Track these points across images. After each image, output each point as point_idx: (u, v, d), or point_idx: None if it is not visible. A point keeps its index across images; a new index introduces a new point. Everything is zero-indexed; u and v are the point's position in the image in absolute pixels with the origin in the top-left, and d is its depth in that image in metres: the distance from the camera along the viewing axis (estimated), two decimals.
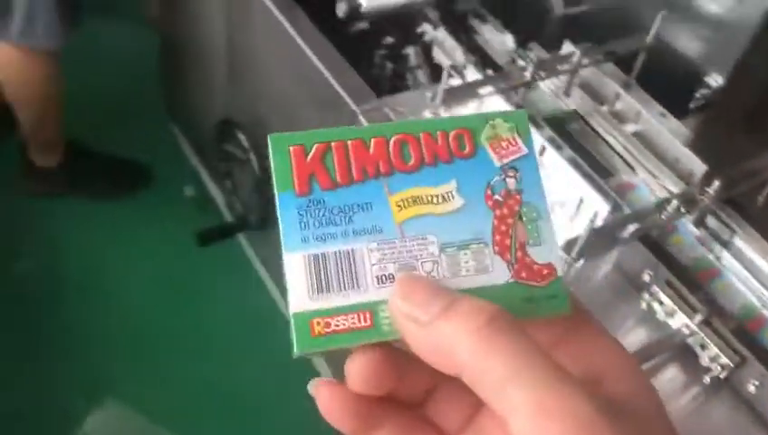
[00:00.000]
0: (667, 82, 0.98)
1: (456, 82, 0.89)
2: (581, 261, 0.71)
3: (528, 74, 0.87)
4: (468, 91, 0.86)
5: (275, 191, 0.29)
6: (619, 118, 0.91)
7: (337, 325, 0.28)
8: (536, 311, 0.29)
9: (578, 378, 0.25)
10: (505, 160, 0.30)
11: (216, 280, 1.76)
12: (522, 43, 1.00)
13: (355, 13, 1.02)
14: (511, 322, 0.26)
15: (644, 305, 0.72)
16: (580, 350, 0.29)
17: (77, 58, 1.68)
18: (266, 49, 1.19)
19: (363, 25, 1.08)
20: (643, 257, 0.77)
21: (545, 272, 0.29)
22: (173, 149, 1.89)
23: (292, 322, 0.28)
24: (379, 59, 1.08)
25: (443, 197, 0.30)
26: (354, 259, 0.29)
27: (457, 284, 0.29)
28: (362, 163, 0.30)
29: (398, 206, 0.29)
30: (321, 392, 0.29)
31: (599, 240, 0.72)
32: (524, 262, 0.29)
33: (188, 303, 1.70)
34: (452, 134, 0.30)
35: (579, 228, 0.77)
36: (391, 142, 0.30)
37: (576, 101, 0.92)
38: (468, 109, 0.88)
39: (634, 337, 0.73)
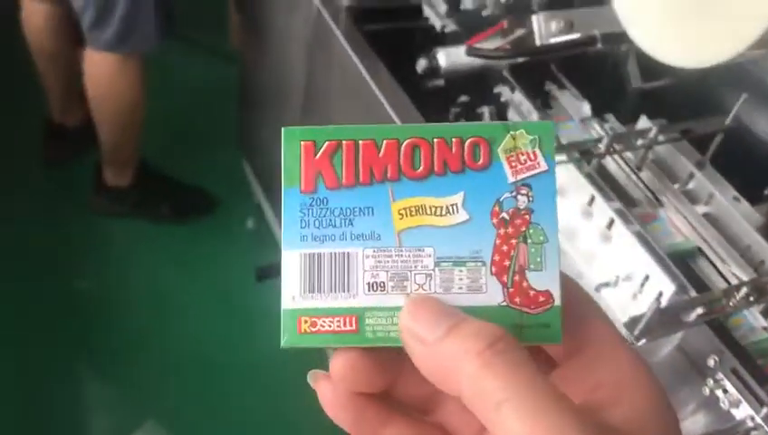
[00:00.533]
0: (743, 165, 0.97)
1: None
2: (643, 341, 0.70)
3: (603, 146, 0.87)
4: None
5: (282, 186, 0.29)
6: (690, 198, 0.90)
7: (322, 326, 0.29)
8: (524, 338, 0.28)
9: (577, 404, 0.25)
10: (520, 176, 0.29)
11: (269, 313, 1.78)
12: (598, 112, 1.00)
13: (434, 70, 1.04)
14: (513, 345, 0.26)
15: (707, 391, 0.71)
16: (593, 364, 0.28)
17: (156, 86, 1.75)
18: (343, 94, 1.22)
19: (440, 82, 1.10)
20: (708, 341, 0.76)
21: (541, 299, 0.29)
22: (240, 181, 1.94)
23: (281, 316, 0.29)
24: (453, 116, 1.09)
25: (447, 209, 0.29)
26: (348, 263, 0.29)
27: (448, 300, 0.28)
28: (370, 165, 0.29)
29: (400, 214, 0.29)
30: (321, 386, 0.30)
31: (662, 321, 0.71)
32: (521, 287, 0.29)
33: (240, 332, 1.73)
34: (468, 142, 0.29)
35: (642, 306, 0.77)
36: (403, 146, 0.29)
37: (647, 176, 0.92)
38: None
39: (693, 424, 0.72)
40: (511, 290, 0.29)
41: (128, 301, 1.77)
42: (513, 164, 0.29)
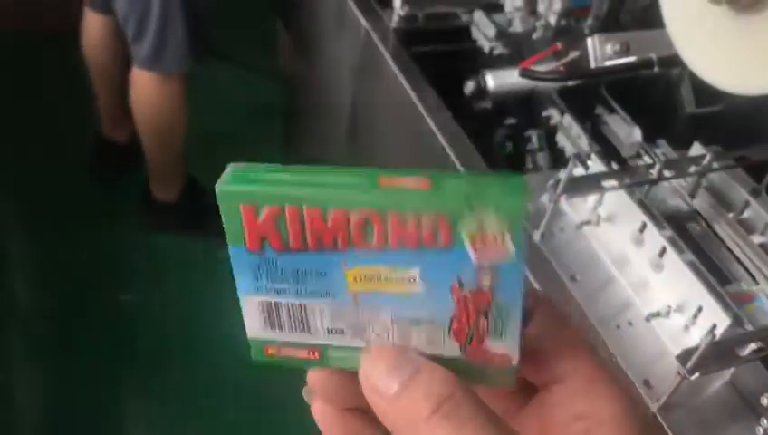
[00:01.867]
0: None
1: (579, 171, 0.88)
2: (696, 375, 0.68)
3: (654, 172, 0.85)
4: (591, 182, 0.85)
5: (227, 242, 0.28)
6: (745, 227, 0.87)
7: (288, 353, 0.30)
8: (481, 381, 0.29)
9: None
10: (485, 261, 0.26)
11: None
12: (649, 137, 0.98)
13: (481, 92, 1.03)
14: (460, 403, 0.26)
15: (760, 432, 0.68)
16: (574, 395, 0.29)
17: (202, 103, 1.77)
18: (390, 115, 1.22)
19: (488, 104, 1.09)
20: (763, 378, 0.73)
21: (497, 360, 0.28)
22: None
23: (248, 342, 0.30)
24: (500, 138, 1.09)
25: (403, 280, 0.27)
26: (305, 313, 0.29)
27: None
28: (318, 234, 0.27)
29: (355, 279, 0.28)
30: (313, 401, 0.32)
31: (716, 355, 0.69)
32: (479, 348, 0.28)
33: None
34: (426, 220, 0.26)
35: (694, 338, 0.74)
36: (352, 219, 0.26)
37: (700, 204, 0.90)
38: (588, 202, 0.86)
39: None
40: (469, 349, 0.29)
41: (171, 314, 1.78)
42: (478, 247, 0.26)
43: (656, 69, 0.84)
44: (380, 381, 0.28)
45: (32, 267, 1.83)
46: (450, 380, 0.27)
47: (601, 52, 0.84)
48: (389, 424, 0.28)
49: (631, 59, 0.85)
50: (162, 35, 1.58)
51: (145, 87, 1.68)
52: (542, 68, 0.90)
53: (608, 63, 0.85)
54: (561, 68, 0.88)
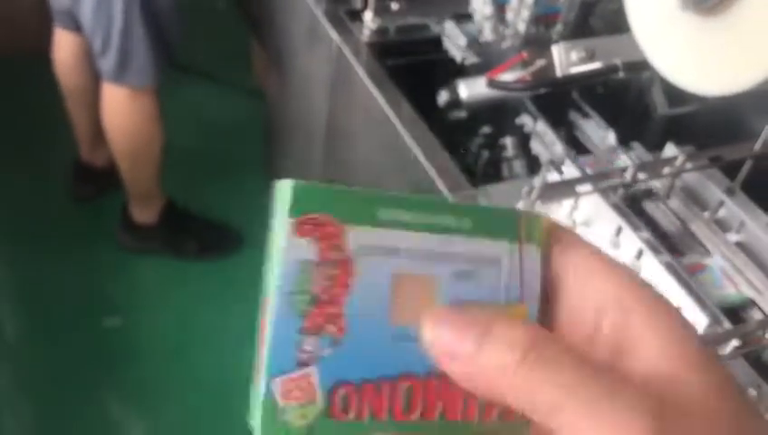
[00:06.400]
0: None
1: (554, 177, 0.88)
2: None
3: (629, 175, 0.85)
4: (566, 188, 0.85)
5: None
6: (721, 226, 0.88)
7: None
8: None
9: (636, 383, 0.23)
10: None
11: None
12: (623, 140, 0.99)
13: (455, 102, 1.04)
14: (547, 344, 0.24)
15: None
16: (582, 287, 0.26)
17: (180, 121, 1.76)
18: (365, 128, 1.22)
19: (462, 114, 1.09)
20: (746, 374, 0.74)
21: None
22: (267, 216, 1.94)
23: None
24: (475, 148, 1.09)
25: None
26: None
27: None
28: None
29: None
30: None
31: None
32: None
33: None
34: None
35: None
36: None
37: (676, 205, 0.90)
38: (563, 207, 0.87)
39: None
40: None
41: (156, 338, 1.77)
42: None
43: (621, 74, 0.85)
44: (452, 344, 0.25)
45: (13, 293, 1.81)
46: (529, 323, 0.25)
47: (567, 59, 0.84)
48: (473, 386, 0.25)
49: (596, 65, 0.86)
50: (125, 49, 1.57)
51: (114, 102, 1.66)
52: (509, 77, 0.90)
53: (573, 71, 0.85)
54: (528, 77, 0.88)
